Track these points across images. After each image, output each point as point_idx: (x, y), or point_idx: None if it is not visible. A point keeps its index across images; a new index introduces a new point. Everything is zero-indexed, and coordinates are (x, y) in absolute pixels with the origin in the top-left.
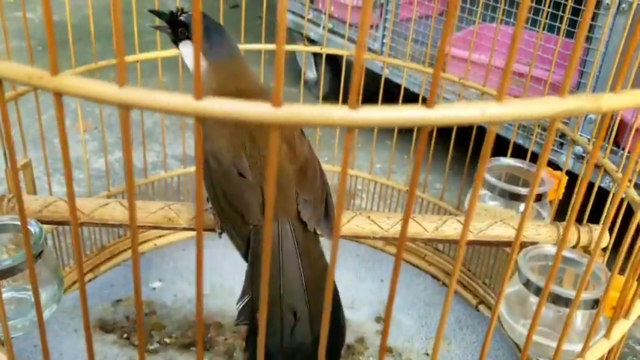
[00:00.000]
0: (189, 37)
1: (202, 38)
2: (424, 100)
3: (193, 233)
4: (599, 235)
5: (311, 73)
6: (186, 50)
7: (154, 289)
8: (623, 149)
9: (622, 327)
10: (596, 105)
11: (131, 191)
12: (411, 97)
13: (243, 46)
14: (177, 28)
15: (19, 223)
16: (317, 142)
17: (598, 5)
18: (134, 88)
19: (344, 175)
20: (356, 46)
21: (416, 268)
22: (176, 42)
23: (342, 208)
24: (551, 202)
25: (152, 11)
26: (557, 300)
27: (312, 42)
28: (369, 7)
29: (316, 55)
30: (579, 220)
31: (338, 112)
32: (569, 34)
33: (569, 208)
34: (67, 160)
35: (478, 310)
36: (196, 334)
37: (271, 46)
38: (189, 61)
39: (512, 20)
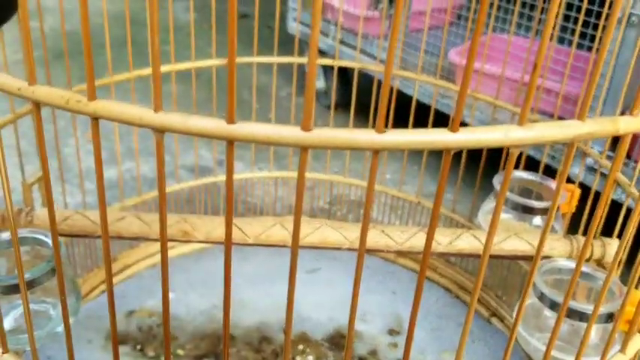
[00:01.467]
0: None
1: None
2: (436, 113)
3: (205, 245)
4: (617, 251)
5: (319, 83)
6: None
7: None
8: (635, 162)
9: (637, 342)
10: (615, 128)
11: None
12: (422, 108)
13: (255, 59)
14: None
15: (36, 236)
16: (328, 151)
17: (608, 18)
18: (169, 113)
19: (370, 193)
20: (384, 75)
21: (427, 280)
22: None
23: (367, 226)
24: (563, 215)
25: None
26: (572, 314)
27: (320, 52)
28: (394, 45)
29: (325, 65)
30: None
31: (365, 136)
32: (577, 45)
33: (582, 221)
34: (100, 182)
35: (490, 323)
36: (208, 346)
37: (284, 59)
38: None
39: (522, 32)
